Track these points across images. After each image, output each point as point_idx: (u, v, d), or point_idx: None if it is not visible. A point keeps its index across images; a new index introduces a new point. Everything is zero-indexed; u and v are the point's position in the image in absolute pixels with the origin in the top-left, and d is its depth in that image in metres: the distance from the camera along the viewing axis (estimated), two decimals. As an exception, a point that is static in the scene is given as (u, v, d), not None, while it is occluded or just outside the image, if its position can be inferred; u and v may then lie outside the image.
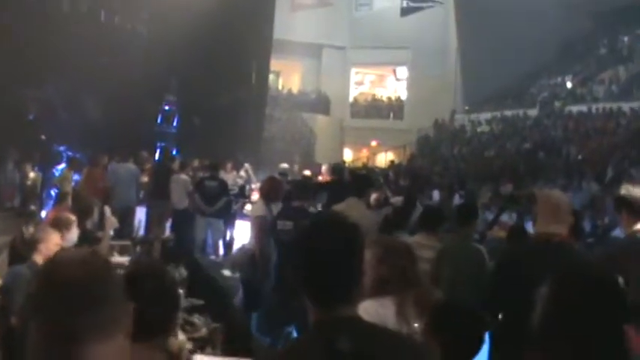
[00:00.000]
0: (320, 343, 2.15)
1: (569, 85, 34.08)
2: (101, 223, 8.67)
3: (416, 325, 3.65)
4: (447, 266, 6.42)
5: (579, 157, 24.08)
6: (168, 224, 13.80)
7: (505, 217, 14.29)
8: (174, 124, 22.07)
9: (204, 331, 5.09)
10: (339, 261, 2.29)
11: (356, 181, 8.75)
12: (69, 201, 11.25)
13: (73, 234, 6.57)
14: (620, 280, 3.18)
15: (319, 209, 9.61)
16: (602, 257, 5.07)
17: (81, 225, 7.00)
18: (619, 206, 5.05)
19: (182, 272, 6.29)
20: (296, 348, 2.44)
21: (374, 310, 3.57)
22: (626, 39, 35.14)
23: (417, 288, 3.94)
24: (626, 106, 28.16)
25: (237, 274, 7.95)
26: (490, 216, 15.15)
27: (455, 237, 6.98)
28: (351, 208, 7.54)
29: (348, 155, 39.49)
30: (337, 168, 14.56)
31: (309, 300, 2.31)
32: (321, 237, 2.34)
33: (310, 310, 2.31)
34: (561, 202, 4.60)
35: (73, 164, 14.95)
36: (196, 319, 5.26)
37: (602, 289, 2.59)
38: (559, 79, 34.94)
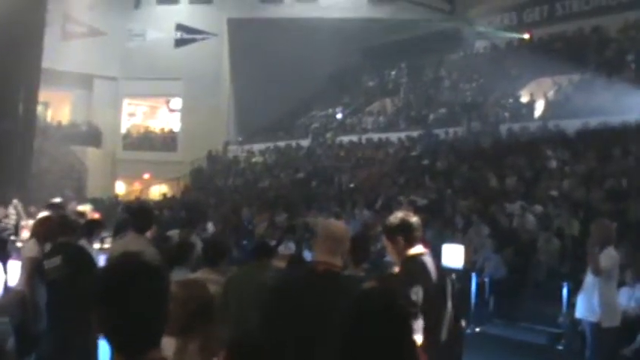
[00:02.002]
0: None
1: (339, 116, 35.15)
2: None
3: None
4: (232, 299, 6.26)
5: (351, 185, 24.77)
6: None
7: (281, 248, 14.37)
8: None
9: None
10: (151, 307, 2.21)
11: (136, 216, 8.36)
12: None
13: None
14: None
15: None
16: (384, 282, 5.12)
17: None
18: (395, 232, 5.13)
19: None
20: None
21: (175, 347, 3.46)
22: (392, 73, 36.85)
23: (214, 324, 3.90)
24: (393, 136, 29.38)
25: (7, 319, 7.36)
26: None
27: (243, 269, 6.84)
28: (131, 244, 7.20)
29: (120, 188, 38.52)
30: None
31: (115, 347, 2.19)
32: (131, 284, 2.21)
33: (116, 356, 2.18)
34: (337, 232, 4.58)
35: None
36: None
37: (390, 314, 2.81)
38: (330, 111, 35.94)
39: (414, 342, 3.12)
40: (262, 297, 5.49)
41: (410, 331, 3.05)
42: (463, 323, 5.64)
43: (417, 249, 5.14)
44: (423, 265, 5.07)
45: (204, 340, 3.72)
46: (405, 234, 5.10)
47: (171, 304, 2.33)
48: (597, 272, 8.99)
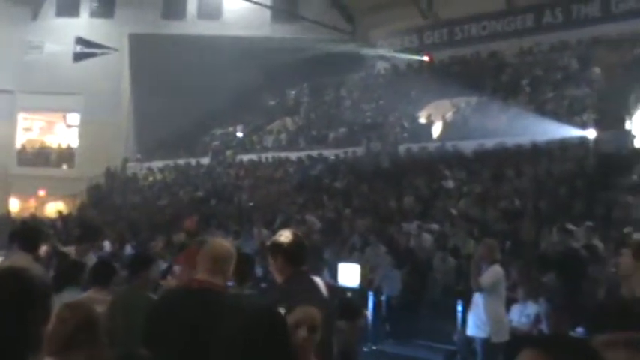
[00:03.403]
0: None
1: (239, 134, 35.00)
2: None
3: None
4: (119, 318, 6.07)
5: (250, 204, 24.62)
6: None
7: (177, 267, 14.09)
8: None
9: None
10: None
11: (22, 235, 8.04)
12: None
13: None
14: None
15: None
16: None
17: None
18: (274, 252, 5.14)
19: None
20: None
21: None
22: (293, 92, 36.94)
23: (99, 344, 3.83)
24: (293, 156, 29.38)
25: None
26: (164, 265, 14.86)
27: (128, 288, 6.64)
28: (17, 262, 6.89)
29: (14, 205, 37.30)
30: None
31: None
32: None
33: None
34: (219, 252, 4.62)
35: None
36: None
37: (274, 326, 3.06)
38: (230, 129, 35.76)
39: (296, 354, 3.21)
40: (140, 316, 5.40)
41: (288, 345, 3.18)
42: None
43: (298, 267, 5.15)
44: (304, 284, 5.09)
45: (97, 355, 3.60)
46: (286, 253, 5.10)
47: (51, 324, 2.22)
48: (477, 288, 9.28)
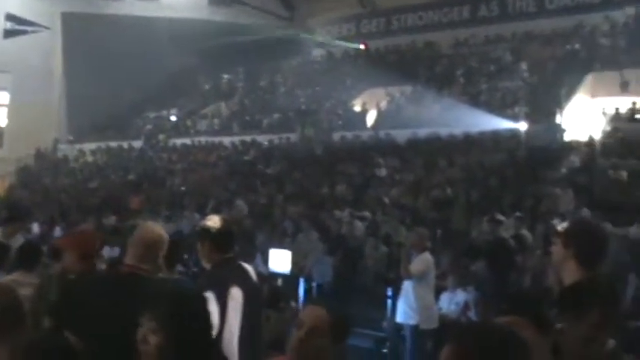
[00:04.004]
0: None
1: (173, 118, 34.62)
2: None
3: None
4: (45, 301, 5.94)
5: (182, 188, 24.38)
6: None
7: (107, 251, 13.89)
8: None
9: None
10: None
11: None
12: None
13: None
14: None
15: None
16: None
17: None
18: (202, 238, 5.14)
19: None
20: None
21: None
22: (228, 76, 36.67)
23: (25, 328, 3.74)
24: (226, 140, 29.21)
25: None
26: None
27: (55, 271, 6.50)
28: None
29: None
30: None
31: None
32: None
33: None
34: (148, 237, 4.54)
35: None
36: None
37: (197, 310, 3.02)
38: (164, 112, 35.34)
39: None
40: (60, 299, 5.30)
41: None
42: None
43: (226, 254, 5.14)
44: (232, 270, 5.09)
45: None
46: (214, 239, 5.09)
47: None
48: (407, 275, 9.37)
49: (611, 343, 3.37)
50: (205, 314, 3.08)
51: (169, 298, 2.99)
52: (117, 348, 3.67)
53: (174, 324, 2.87)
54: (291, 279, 13.51)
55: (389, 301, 12.05)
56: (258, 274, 5.58)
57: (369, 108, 28.11)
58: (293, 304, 12.07)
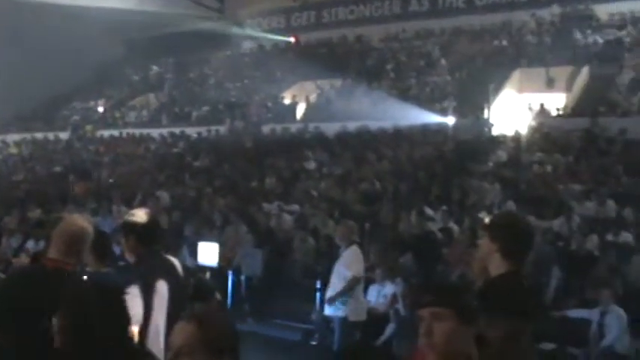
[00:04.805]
0: None
1: (101, 109, 34.11)
2: None
3: None
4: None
5: (110, 180, 24.01)
6: None
7: (32, 245, 13.66)
8: None
9: None
10: None
11: None
12: None
13: None
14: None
15: None
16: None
17: None
18: (127, 232, 5.11)
19: None
20: None
21: None
22: (157, 68, 36.28)
23: None
24: (155, 132, 28.90)
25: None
26: (16, 242, 14.44)
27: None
28: None
29: None
30: None
31: None
32: None
33: None
34: (75, 231, 4.46)
35: None
36: None
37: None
38: (91, 103, 34.81)
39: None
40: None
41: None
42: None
43: (152, 248, 5.12)
44: (157, 264, 5.09)
45: None
46: (139, 233, 5.06)
47: None
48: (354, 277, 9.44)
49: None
50: (121, 310, 3.06)
51: (75, 294, 2.98)
52: (36, 344, 3.60)
53: (78, 321, 2.87)
54: (219, 272, 13.46)
55: (318, 294, 12.10)
56: (184, 267, 5.52)
57: (299, 101, 28.15)
58: (218, 296, 12.00)
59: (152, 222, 5.16)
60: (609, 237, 13.06)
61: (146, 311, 4.73)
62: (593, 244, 12.80)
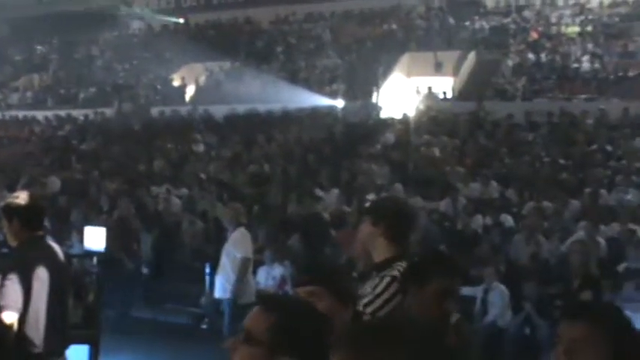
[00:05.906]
0: None
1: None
2: None
3: None
4: None
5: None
6: None
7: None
8: None
9: None
10: None
11: None
12: None
13: None
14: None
15: None
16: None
17: None
18: (9, 215, 4.98)
19: None
20: None
21: None
22: (42, 48, 35.26)
23: None
24: (40, 115, 28.13)
25: None
26: None
27: None
28: None
29: None
30: None
31: None
32: None
33: None
34: None
35: None
36: None
37: None
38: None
39: None
40: None
41: None
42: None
43: (35, 232, 5.03)
44: (40, 249, 5.02)
45: None
46: (22, 216, 4.95)
47: None
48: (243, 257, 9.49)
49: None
50: None
51: None
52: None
53: None
54: (107, 257, 13.23)
55: (207, 277, 12.06)
56: (65, 253, 5.44)
57: (188, 83, 27.92)
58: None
59: (35, 205, 5.06)
60: (488, 220, 13.43)
61: (26, 297, 4.66)
62: (477, 224, 13.18)
